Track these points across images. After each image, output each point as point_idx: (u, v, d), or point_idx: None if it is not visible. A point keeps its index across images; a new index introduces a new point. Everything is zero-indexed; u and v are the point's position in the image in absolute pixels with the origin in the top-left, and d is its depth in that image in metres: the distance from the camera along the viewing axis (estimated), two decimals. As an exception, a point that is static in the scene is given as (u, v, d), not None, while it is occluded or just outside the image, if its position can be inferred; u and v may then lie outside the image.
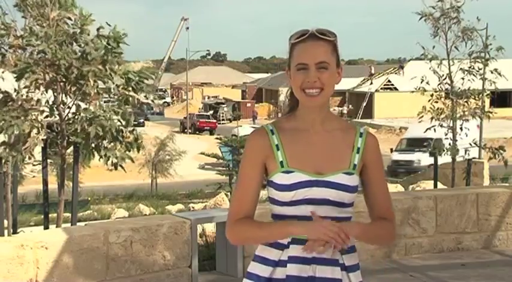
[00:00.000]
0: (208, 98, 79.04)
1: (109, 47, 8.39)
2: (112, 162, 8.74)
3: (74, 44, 8.66)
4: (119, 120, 8.71)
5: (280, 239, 2.43)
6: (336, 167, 2.44)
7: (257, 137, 2.51)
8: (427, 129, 12.82)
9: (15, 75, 8.77)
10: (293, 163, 2.44)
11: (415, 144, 32.54)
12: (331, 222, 2.35)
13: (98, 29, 8.57)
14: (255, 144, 2.50)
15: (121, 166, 8.81)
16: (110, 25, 8.65)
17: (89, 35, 8.55)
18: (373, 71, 65.33)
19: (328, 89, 2.43)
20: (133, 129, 8.93)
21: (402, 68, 62.83)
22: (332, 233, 2.30)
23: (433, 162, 14.70)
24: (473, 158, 14.58)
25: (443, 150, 12.83)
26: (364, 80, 64.83)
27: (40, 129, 8.63)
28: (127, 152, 8.87)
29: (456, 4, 12.42)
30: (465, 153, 12.96)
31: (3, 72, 9.05)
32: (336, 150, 2.47)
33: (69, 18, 8.73)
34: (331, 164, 2.44)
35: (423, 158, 29.99)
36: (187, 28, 78.89)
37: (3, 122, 8.24)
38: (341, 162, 2.46)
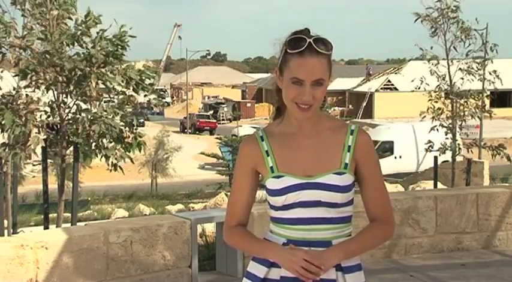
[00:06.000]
0: (208, 98, 79.00)
1: (111, 50, 8.39)
2: (112, 162, 8.74)
3: (76, 44, 8.65)
4: (121, 121, 8.73)
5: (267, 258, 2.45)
6: (325, 168, 2.43)
7: (247, 144, 2.54)
8: (431, 129, 12.81)
9: (15, 75, 8.76)
10: (282, 167, 2.45)
11: None
12: (306, 252, 2.32)
13: (98, 32, 8.55)
14: (245, 152, 2.54)
15: (120, 167, 8.81)
16: (117, 23, 8.65)
17: (90, 37, 8.53)
18: (371, 72, 65.23)
19: (319, 103, 2.42)
20: (134, 129, 8.94)
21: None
22: (300, 268, 2.29)
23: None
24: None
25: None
26: (363, 80, 64.82)
27: (41, 129, 8.64)
28: (126, 153, 8.87)
29: (453, 4, 12.41)
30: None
31: (2, 72, 9.03)
32: (326, 150, 2.46)
33: (70, 18, 8.72)
34: (320, 166, 2.43)
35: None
36: (180, 37, 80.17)
37: (7, 123, 8.23)
38: (331, 162, 2.44)
